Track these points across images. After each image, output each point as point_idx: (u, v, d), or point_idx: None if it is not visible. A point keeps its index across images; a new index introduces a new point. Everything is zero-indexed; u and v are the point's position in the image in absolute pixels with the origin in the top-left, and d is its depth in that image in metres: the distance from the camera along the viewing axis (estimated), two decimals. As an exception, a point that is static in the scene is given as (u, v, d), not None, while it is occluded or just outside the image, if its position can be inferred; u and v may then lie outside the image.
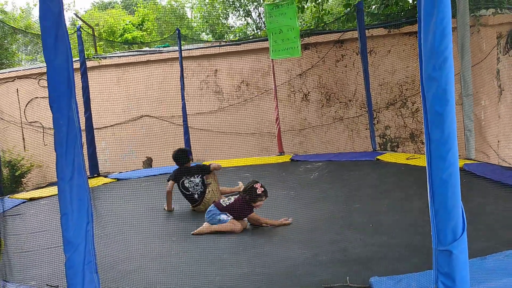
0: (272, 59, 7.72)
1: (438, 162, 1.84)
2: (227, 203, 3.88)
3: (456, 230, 1.82)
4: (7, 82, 9.68)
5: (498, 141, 7.37)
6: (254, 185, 3.86)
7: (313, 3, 9.09)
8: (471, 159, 6.01)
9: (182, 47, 8.23)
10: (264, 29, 7.78)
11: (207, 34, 18.02)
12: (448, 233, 1.83)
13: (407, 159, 6.30)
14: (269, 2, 8.35)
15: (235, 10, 16.16)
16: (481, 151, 6.93)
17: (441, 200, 1.83)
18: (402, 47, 7.92)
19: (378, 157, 6.62)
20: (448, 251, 1.83)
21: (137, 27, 13.88)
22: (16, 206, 5.28)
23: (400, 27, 7.91)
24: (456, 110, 1.89)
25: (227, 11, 16.44)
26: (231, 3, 15.69)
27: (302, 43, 7.89)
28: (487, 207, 3.87)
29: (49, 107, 1.91)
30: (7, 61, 13.99)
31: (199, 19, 17.62)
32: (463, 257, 1.84)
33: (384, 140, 8.31)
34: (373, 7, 9.67)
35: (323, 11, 9.32)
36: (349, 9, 8.61)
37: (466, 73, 6.17)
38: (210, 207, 3.97)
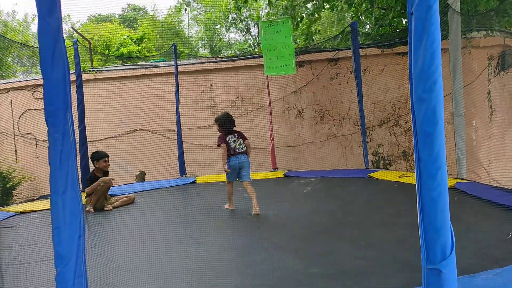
0: (267, 76, 7.79)
1: (427, 181, 1.87)
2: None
3: (445, 249, 1.84)
4: (1, 93, 9.66)
5: (489, 161, 7.45)
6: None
7: (306, 20, 9.23)
8: (462, 179, 6.07)
9: (178, 62, 8.30)
10: (261, 46, 7.87)
11: (205, 49, 18.19)
12: (437, 251, 1.85)
13: (399, 177, 6.35)
14: (264, 20, 8.47)
15: (234, 27, 16.36)
16: (472, 171, 6.99)
17: (430, 218, 1.86)
18: (395, 66, 8.05)
19: (370, 175, 6.67)
20: (437, 270, 1.85)
21: (135, 42, 13.95)
22: (7, 218, 5.23)
23: (393, 47, 8.06)
24: (447, 129, 1.93)
25: (226, 28, 16.64)
26: (230, 21, 15.89)
27: (297, 60, 8.00)
28: (477, 225, 3.90)
29: (42, 119, 1.92)
30: (2, 73, 14.00)
31: (196, 34, 17.79)
32: (452, 275, 1.86)
33: (377, 157, 8.37)
34: (367, 27, 9.84)
35: (315, 30, 9.46)
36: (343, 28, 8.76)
37: (458, 93, 6.27)
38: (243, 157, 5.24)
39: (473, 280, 2.55)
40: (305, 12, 9.08)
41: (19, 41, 13.64)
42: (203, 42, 18.13)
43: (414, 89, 1.89)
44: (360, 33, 8.77)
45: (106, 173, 5.97)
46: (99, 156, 5.93)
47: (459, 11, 6.15)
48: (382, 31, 8.72)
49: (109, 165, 5.99)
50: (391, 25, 8.54)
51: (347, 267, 3.06)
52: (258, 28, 14.25)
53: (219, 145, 5.21)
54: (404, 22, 8.53)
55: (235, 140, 5.24)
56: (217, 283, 2.92)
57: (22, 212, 5.57)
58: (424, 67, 1.85)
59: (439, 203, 1.86)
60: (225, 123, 5.28)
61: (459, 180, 5.81)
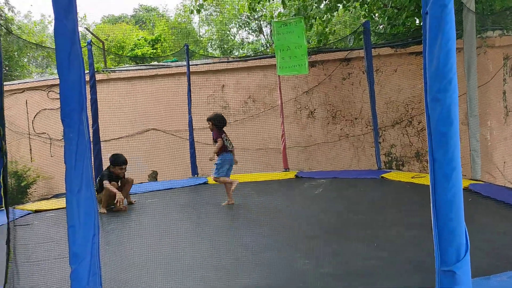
0: (279, 76, 7.79)
1: (442, 182, 1.85)
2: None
3: (459, 251, 1.83)
4: (16, 93, 9.81)
5: (504, 162, 7.35)
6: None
7: (319, 21, 9.21)
8: (477, 180, 6.00)
9: (190, 62, 8.34)
10: (273, 45, 7.87)
11: (215, 50, 18.24)
12: (452, 253, 1.83)
13: (412, 177, 6.30)
14: (277, 20, 8.46)
15: (246, 26, 16.38)
16: (487, 172, 6.90)
17: (444, 220, 1.84)
18: (409, 66, 7.98)
19: (383, 175, 6.63)
20: (451, 272, 1.83)
21: (149, 43, 14.03)
22: (22, 217, 5.31)
23: (407, 47, 7.99)
24: (462, 130, 1.91)
25: (238, 27, 16.66)
26: (243, 21, 15.90)
27: (310, 60, 7.97)
28: (492, 227, 3.86)
29: (57, 118, 1.95)
30: (18, 73, 14.23)
31: (206, 34, 17.86)
32: (466, 277, 1.84)
33: (389, 158, 8.30)
34: (380, 26, 9.77)
35: (328, 30, 9.43)
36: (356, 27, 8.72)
37: (472, 93, 6.19)
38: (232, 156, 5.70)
39: (488, 282, 2.52)
40: (318, 12, 9.05)
41: (34, 42, 13.84)
42: (213, 43, 18.20)
43: (429, 89, 1.87)
44: (373, 32, 8.72)
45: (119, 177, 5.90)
46: (117, 162, 5.80)
47: (474, 10, 6.07)
48: (395, 30, 8.66)
49: (124, 172, 5.86)
50: (404, 24, 8.47)
51: (358, 267, 3.05)
52: (271, 28, 14.28)
53: (216, 140, 5.60)
54: (417, 22, 8.46)
55: (227, 140, 5.70)
56: (226, 282, 2.93)
57: (36, 211, 5.64)
58: (439, 66, 1.83)
59: (453, 204, 1.84)
60: (219, 123, 5.67)
61: (474, 181, 5.74)
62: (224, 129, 5.76)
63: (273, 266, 3.21)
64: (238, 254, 3.53)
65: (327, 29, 9.35)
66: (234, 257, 3.46)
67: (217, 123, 5.67)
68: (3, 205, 5.73)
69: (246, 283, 2.90)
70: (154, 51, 13.65)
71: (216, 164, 5.57)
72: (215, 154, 5.56)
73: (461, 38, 6.15)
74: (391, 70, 8.16)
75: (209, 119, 5.76)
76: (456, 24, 1.94)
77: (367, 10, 9.22)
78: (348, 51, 8.43)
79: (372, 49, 7.54)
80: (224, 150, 5.58)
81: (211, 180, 7.30)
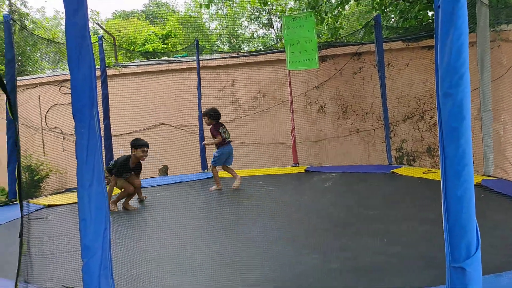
0: (289, 70, 7.76)
1: (453, 178, 1.83)
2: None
3: (470, 247, 1.81)
4: (29, 88, 9.93)
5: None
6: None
7: (330, 15, 9.14)
8: (489, 175, 5.92)
9: (200, 57, 8.35)
10: (283, 40, 7.84)
11: (224, 44, 18.22)
12: (462, 249, 1.82)
13: (423, 173, 6.24)
14: (287, 14, 8.42)
15: (256, 21, 16.32)
16: (500, 168, 6.81)
17: (455, 216, 1.83)
18: (421, 60, 7.90)
19: (393, 170, 6.58)
20: (462, 268, 1.81)
21: (160, 38, 14.07)
22: (35, 211, 5.39)
23: (419, 41, 7.90)
24: (474, 125, 1.89)
25: (249, 21, 16.61)
26: (253, 15, 15.84)
27: (320, 55, 7.93)
28: (504, 223, 3.81)
29: (69, 113, 1.97)
30: (31, 68, 14.37)
31: (216, 28, 17.82)
32: (477, 274, 1.83)
33: (400, 153, 8.25)
34: (392, 20, 9.67)
35: (340, 25, 9.37)
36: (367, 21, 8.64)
37: (485, 88, 6.11)
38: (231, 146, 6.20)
39: (499, 279, 2.49)
40: (329, 6, 8.98)
41: (46, 37, 13.96)
42: (223, 38, 18.18)
43: (440, 84, 1.85)
44: (384, 26, 8.63)
45: (138, 166, 5.63)
46: (139, 144, 5.45)
47: (487, 4, 5.97)
48: (407, 24, 8.56)
49: (146, 156, 5.52)
50: (416, 18, 8.37)
51: (367, 263, 3.03)
52: (281, 23, 14.22)
53: (215, 136, 6.02)
54: (430, 15, 8.35)
55: (225, 131, 6.10)
56: (235, 276, 2.95)
57: (49, 206, 5.72)
58: (450, 61, 1.81)
59: (464, 201, 1.82)
60: (215, 115, 6.06)
61: (486, 177, 5.67)
62: (221, 121, 6.17)
63: (282, 260, 3.21)
64: (247, 247, 3.54)
65: (337, 23, 9.28)
66: (243, 250, 3.47)
67: (213, 116, 6.02)
68: (17, 199, 5.84)
69: (256, 276, 2.91)
70: (165, 46, 13.68)
71: (214, 154, 6.06)
72: (216, 148, 6.05)
73: (474, 32, 6.06)
74: (402, 65, 8.09)
75: (204, 114, 6.11)
76: (469, 18, 1.91)
77: (378, 3, 9.13)
78: (359, 45, 8.37)
79: (384, 43, 7.47)
80: (223, 143, 6.01)
81: (221, 174, 7.34)
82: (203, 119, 6.18)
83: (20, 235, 2.33)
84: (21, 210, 2.39)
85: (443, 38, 1.86)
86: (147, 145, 5.52)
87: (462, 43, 1.82)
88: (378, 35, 7.24)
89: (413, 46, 7.97)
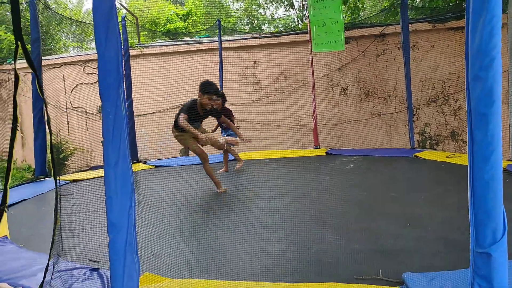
0: (312, 52, 7.66)
1: (480, 164, 1.80)
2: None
3: (496, 233, 1.79)
4: (54, 68, 10.09)
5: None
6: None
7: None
8: (515, 161, 5.79)
9: (222, 38, 8.31)
10: (305, 21, 7.72)
11: (246, 25, 18.06)
12: (488, 235, 1.80)
13: (447, 157, 6.14)
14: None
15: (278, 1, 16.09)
16: (526, 153, 6.65)
17: (481, 201, 1.80)
18: (447, 42, 7.68)
19: (416, 154, 6.50)
20: (487, 254, 1.80)
21: (181, 18, 14.04)
22: (61, 186, 5.53)
23: (446, 22, 7.67)
24: (502, 109, 1.84)
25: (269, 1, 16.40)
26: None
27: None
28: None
29: (92, 93, 2.00)
30: (54, 47, 14.57)
31: (239, 9, 17.64)
32: (502, 260, 1.81)
33: (423, 137, 8.12)
34: (418, 0, 9.41)
35: (361, 4, 9.16)
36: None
37: (514, 71, 5.92)
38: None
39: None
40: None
41: (69, 17, 14.09)
42: (244, 19, 17.99)
43: (470, 67, 1.81)
44: (410, 6, 8.41)
45: (213, 112, 4.90)
46: (206, 90, 4.68)
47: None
48: (434, 4, 8.31)
49: (212, 105, 4.79)
50: (444, -2, 8.13)
51: (389, 245, 3.04)
52: (304, 3, 13.98)
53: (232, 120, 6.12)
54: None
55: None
56: (256, 252, 2.99)
57: (74, 181, 5.87)
58: (481, 44, 1.76)
59: (491, 186, 1.80)
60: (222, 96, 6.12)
61: (512, 163, 5.55)
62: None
63: (302, 240, 3.24)
64: (267, 226, 3.58)
65: (358, 3, 9.08)
66: (263, 230, 3.51)
67: (223, 97, 6.09)
68: (44, 176, 6.00)
69: (276, 254, 2.95)
70: (186, 24, 13.65)
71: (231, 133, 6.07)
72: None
73: (505, 13, 5.85)
74: (428, 46, 7.88)
75: (221, 95, 6.05)
76: (502, -2, 1.84)
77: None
78: (384, 27, 8.18)
79: (409, 25, 7.28)
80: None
81: (241, 156, 7.38)
82: (217, 100, 5.60)
83: (55, 210, 2.41)
84: (56, 185, 2.46)
85: (474, 20, 1.81)
86: (217, 92, 4.88)
87: (494, 25, 1.77)
88: (404, 16, 7.04)
89: (439, 27, 7.74)
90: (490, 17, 1.74)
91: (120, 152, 2.09)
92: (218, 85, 7.96)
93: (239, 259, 2.93)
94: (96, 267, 2.70)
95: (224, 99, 6.17)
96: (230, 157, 6.48)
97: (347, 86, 8.50)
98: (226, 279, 2.53)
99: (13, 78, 2.46)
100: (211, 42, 9.21)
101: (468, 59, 1.84)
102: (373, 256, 2.85)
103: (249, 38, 9.17)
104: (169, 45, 9.73)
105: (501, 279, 1.85)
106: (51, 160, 2.44)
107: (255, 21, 17.46)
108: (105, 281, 2.49)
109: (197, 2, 15.73)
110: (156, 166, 6.82)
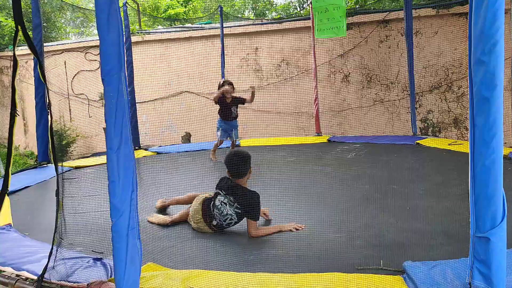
0: (314, 39, 7.61)
1: (481, 148, 1.81)
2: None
3: (495, 217, 1.80)
4: (55, 54, 10.06)
5: (548, 130, 7.03)
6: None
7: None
8: (517, 148, 5.78)
9: (224, 24, 8.25)
10: (307, 7, 7.66)
11: (248, 11, 17.89)
12: (487, 219, 1.81)
13: (449, 144, 6.14)
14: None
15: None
16: (528, 140, 6.64)
17: (482, 186, 1.81)
18: (451, 28, 7.61)
19: (418, 142, 6.49)
20: (486, 238, 1.81)
21: (181, 4, 13.92)
22: (63, 173, 5.56)
23: (449, 7, 7.59)
24: (504, 96, 1.84)
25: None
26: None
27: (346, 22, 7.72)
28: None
29: (94, 79, 2.00)
30: (55, 35, 14.50)
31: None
32: (501, 244, 1.82)
33: (426, 124, 8.10)
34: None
35: None
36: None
37: (518, 57, 5.88)
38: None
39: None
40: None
41: (70, 3, 14.00)
42: (246, 4, 17.80)
43: (473, 51, 1.80)
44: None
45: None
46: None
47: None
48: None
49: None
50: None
51: (390, 237, 3.04)
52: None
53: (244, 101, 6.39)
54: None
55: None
56: (257, 243, 3.00)
57: (77, 167, 5.90)
58: (484, 28, 1.75)
59: (492, 171, 1.80)
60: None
61: (514, 150, 5.54)
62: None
63: (303, 231, 3.25)
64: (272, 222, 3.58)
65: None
66: (265, 222, 3.52)
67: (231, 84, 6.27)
68: (46, 162, 6.03)
69: (278, 252, 2.93)
70: (186, 9, 13.53)
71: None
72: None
73: (509, -2, 5.80)
74: (431, 32, 7.82)
75: (230, 83, 6.24)
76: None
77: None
78: (387, 13, 8.11)
79: (412, 10, 7.21)
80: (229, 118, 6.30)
81: (243, 143, 7.39)
82: (228, 87, 6.12)
83: (57, 194, 2.43)
84: (56, 170, 2.48)
85: (477, 3, 1.80)
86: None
87: (497, 8, 1.76)
88: (408, 1, 6.98)
89: (443, 13, 7.67)
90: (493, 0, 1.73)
91: (123, 136, 2.10)
92: (220, 71, 7.96)
93: (243, 249, 2.95)
94: (100, 257, 2.72)
95: (233, 86, 6.37)
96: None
97: (349, 73, 8.47)
98: (228, 270, 2.52)
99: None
100: (212, 28, 9.15)
101: (471, 43, 1.83)
102: (374, 249, 2.84)
103: (250, 25, 9.11)
104: (170, 31, 9.68)
105: (500, 263, 1.86)
106: (51, 144, 2.45)
107: (258, 6, 17.28)
108: (109, 269, 2.52)
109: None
110: (158, 153, 6.84)
